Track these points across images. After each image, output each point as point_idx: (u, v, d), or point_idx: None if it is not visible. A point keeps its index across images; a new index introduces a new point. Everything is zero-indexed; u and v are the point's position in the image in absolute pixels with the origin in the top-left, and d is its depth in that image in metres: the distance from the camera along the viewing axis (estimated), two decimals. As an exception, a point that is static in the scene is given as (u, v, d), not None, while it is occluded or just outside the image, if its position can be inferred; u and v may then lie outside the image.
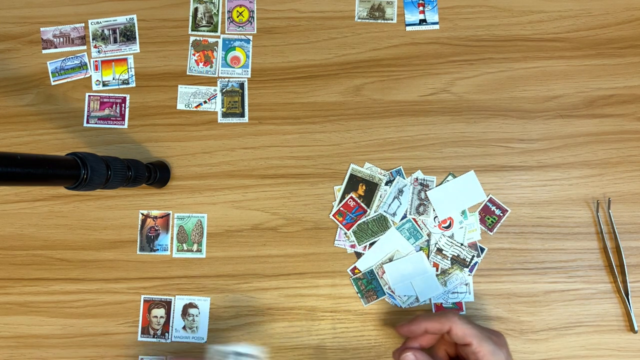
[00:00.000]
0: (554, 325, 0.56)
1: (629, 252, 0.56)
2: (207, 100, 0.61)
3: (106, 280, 0.59)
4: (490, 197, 0.58)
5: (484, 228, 0.58)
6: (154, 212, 0.59)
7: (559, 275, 0.57)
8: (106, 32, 0.62)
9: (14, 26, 0.63)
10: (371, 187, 0.58)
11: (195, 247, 0.59)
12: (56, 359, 0.58)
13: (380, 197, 0.58)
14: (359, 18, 0.62)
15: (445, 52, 0.61)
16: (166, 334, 0.57)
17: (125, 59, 0.62)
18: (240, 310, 0.58)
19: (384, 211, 0.58)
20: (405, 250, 0.57)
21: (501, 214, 0.58)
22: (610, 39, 0.60)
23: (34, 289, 0.59)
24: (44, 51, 0.62)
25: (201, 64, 0.61)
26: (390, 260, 0.57)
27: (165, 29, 0.62)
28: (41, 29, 0.63)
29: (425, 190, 0.58)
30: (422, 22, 0.61)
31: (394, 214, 0.58)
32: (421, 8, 0.61)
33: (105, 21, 0.62)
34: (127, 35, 0.62)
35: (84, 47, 0.62)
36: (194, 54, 0.62)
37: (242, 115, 0.60)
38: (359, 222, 0.58)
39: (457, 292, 0.57)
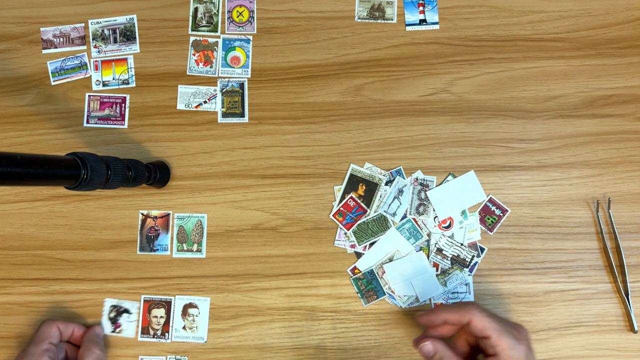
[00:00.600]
0: (554, 325, 0.56)
1: (629, 252, 0.56)
2: (207, 100, 0.61)
3: (106, 280, 0.59)
4: (490, 197, 0.58)
5: (484, 228, 0.57)
6: (154, 212, 0.59)
7: (559, 275, 0.57)
8: (106, 32, 0.62)
9: (14, 26, 0.63)
10: (371, 187, 0.58)
11: (195, 247, 0.59)
12: (56, 359, 0.58)
13: (380, 197, 0.58)
14: (359, 18, 0.61)
15: (445, 52, 0.61)
16: (166, 334, 0.57)
17: (125, 59, 0.62)
18: (240, 310, 0.58)
19: (384, 211, 0.58)
20: (405, 250, 0.57)
21: (501, 214, 0.58)
22: (610, 39, 0.60)
23: (34, 289, 0.59)
24: (44, 51, 0.62)
25: (201, 64, 0.61)
26: (390, 260, 0.57)
27: (165, 29, 0.62)
28: (41, 29, 0.63)
29: (425, 190, 0.58)
30: (422, 22, 0.61)
31: (394, 214, 0.58)
32: (421, 8, 0.61)
33: (105, 21, 0.62)
34: (127, 35, 0.62)
35: (84, 47, 0.62)
36: (194, 54, 0.62)
37: (242, 115, 0.60)
38: (359, 222, 0.58)
39: (457, 292, 0.57)
